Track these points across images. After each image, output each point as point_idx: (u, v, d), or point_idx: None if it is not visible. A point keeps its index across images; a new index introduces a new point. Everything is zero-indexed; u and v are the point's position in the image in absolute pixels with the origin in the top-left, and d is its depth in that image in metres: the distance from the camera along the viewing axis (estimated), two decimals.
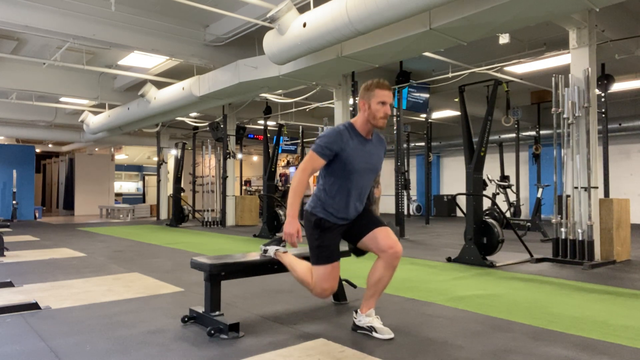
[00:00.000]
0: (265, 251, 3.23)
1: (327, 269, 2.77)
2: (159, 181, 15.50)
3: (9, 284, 4.38)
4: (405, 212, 13.82)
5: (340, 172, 2.78)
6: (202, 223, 12.45)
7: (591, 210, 5.53)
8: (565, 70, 6.11)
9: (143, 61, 9.12)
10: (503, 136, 13.68)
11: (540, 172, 12.98)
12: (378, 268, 2.83)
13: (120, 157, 21.22)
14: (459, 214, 16.00)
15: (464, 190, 5.95)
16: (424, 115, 12.49)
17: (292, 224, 2.68)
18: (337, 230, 2.85)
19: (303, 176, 2.72)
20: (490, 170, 12.35)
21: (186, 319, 3.11)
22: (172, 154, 15.04)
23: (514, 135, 12.73)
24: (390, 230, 2.88)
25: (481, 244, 5.64)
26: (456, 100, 7.34)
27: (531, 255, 5.86)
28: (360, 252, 3.16)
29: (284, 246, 3.23)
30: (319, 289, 2.80)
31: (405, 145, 12.96)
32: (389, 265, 2.80)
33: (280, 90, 9.74)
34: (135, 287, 4.30)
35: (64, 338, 2.82)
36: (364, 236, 2.87)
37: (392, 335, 2.77)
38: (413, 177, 17.93)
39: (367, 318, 2.85)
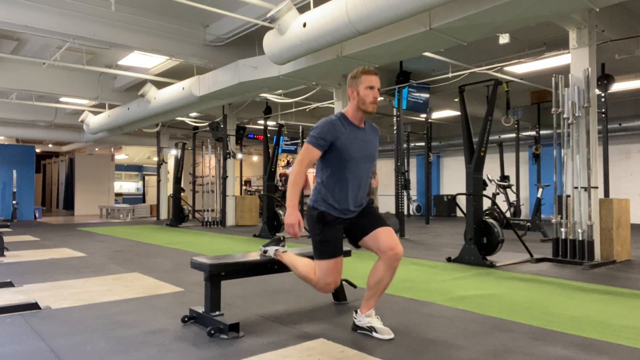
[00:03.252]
0: (265, 252, 3.23)
1: (330, 263, 2.78)
2: (159, 181, 15.50)
3: (9, 284, 4.38)
4: (405, 212, 13.81)
5: (336, 162, 2.78)
6: (202, 223, 12.45)
7: (591, 210, 5.53)
8: (565, 70, 6.11)
9: (143, 61, 9.12)
10: (503, 136, 13.68)
11: (540, 172, 12.98)
12: (378, 269, 2.81)
13: (120, 157, 21.22)
14: (459, 214, 16.00)
15: (464, 190, 5.95)
16: (424, 115, 12.49)
17: (292, 215, 2.69)
18: (340, 225, 2.83)
19: (300, 168, 2.74)
20: (490, 170, 12.36)
21: (186, 319, 3.11)
22: (172, 154, 15.04)
23: (514, 135, 12.73)
24: (392, 231, 2.87)
25: (481, 244, 5.64)
26: (456, 100, 7.33)
27: (531, 255, 5.86)
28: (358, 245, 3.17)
29: (283, 246, 3.23)
30: (322, 283, 2.81)
31: (405, 145, 12.96)
32: (389, 267, 2.79)
33: (280, 90, 9.75)
34: (135, 287, 4.30)
35: (64, 338, 2.82)
36: (365, 235, 2.86)
37: (392, 336, 2.77)
38: (413, 177, 17.93)
39: (367, 318, 2.85)
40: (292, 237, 2.74)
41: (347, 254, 3.73)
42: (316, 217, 2.81)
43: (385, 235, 2.81)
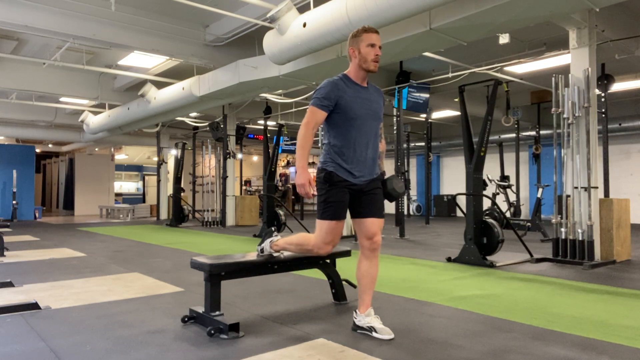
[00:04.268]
0: (262, 250, 3.23)
1: (331, 224, 2.78)
2: (159, 181, 15.50)
3: (9, 284, 4.38)
4: (405, 212, 13.82)
5: (343, 121, 2.79)
6: (202, 223, 12.45)
7: (591, 210, 5.53)
8: (565, 70, 6.11)
9: (143, 61, 9.12)
10: (503, 136, 13.68)
11: (540, 172, 12.98)
12: (362, 261, 2.90)
13: (120, 157, 21.22)
14: (459, 214, 16.00)
15: (464, 190, 5.95)
16: (424, 115, 12.49)
17: (302, 175, 2.69)
18: (346, 188, 2.81)
19: (307, 130, 2.74)
20: (490, 170, 12.36)
21: (186, 319, 3.10)
22: (172, 154, 15.05)
23: (514, 135, 12.73)
24: (381, 222, 2.90)
25: (481, 244, 5.64)
26: (456, 100, 7.33)
27: (531, 255, 5.86)
28: None
29: (276, 235, 3.25)
30: (321, 243, 2.82)
31: (405, 145, 12.96)
32: (369, 257, 2.86)
33: (280, 90, 9.74)
34: (135, 287, 4.30)
35: (64, 338, 2.82)
36: (358, 217, 2.88)
37: (392, 336, 2.77)
38: (413, 177, 17.93)
39: (366, 318, 2.85)
40: (306, 197, 2.74)
41: (347, 254, 3.74)
42: (323, 178, 2.81)
43: (370, 224, 2.85)
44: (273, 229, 3.34)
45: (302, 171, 2.70)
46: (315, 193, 2.78)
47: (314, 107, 2.76)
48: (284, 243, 3.12)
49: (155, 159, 16.56)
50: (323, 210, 2.80)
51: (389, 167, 16.79)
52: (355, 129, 2.80)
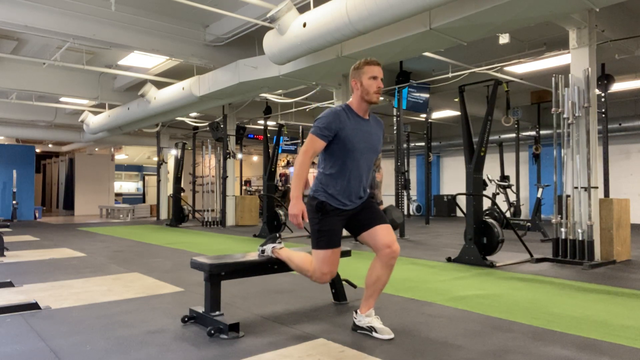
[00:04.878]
0: (263, 251, 3.24)
1: (326, 253, 2.77)
2: (159, 181, 15.50)
3: (9, 284, 4.38)
4: (405, 212, 13.82)
5: (340, 153, 2.79)
6: (202, 223, 12.45)
7: (591, 210, 5.53)
8: (565, 70, 6.11)
9: (143, 61, 9.12)
10: (503, 136, 13.68)
11: (540, 172, 12.98)
12: (376, 267, 2.83)
13: (120, 157, 21.22)
14: (459, 214, 16.00)
15: (464, 190, 5.95)
16: (424, 115, 12.49)
17: (296, 205, 2.68)
18: (339, 216, 2.82)
19: (305, 158, 2.73)
20: (490, 170, 12.37)
21: (186, 319, 3.11)
22: (172, 154, 15.05)
23: (514, 135, 12.73)
24: (391, 228, 2.87)
25: (481, 244, 5.64)
26: (456, 100, 7.33)
27: (531, 255, 5.86)
28: None
29: (279, 242, 3.24)
30: (318, 273, 2.81)
31: (405, 145, 12.96)
32: (386, 265, 2.80)
33: (280, 90, 9.74)
34: (135, 287, 4.30)
35: (64, 338, 2.82)
36: (364, 230, 2.85)
37: (392, 336, 2.77)
38: (413, 177, 17.93)
39: (367, 318, 2.85)
40: (297, 227, 2.72)
41: (347, 254, 3.74)
42: (315, 207, 2.80)
43: (383, 233, 2.81)
44: (277, 235, 3.34)
45: (296, 201, 2.69)
46: (306, 221, 2.76)
47: (313, 136, 2.75)
48: (286, 257, 3.10)
49: (155, 159, 16.56)
50: (317, 239, 2.80)
51: (389, 167, 16.81)
52: (352, 161, 2.79)
